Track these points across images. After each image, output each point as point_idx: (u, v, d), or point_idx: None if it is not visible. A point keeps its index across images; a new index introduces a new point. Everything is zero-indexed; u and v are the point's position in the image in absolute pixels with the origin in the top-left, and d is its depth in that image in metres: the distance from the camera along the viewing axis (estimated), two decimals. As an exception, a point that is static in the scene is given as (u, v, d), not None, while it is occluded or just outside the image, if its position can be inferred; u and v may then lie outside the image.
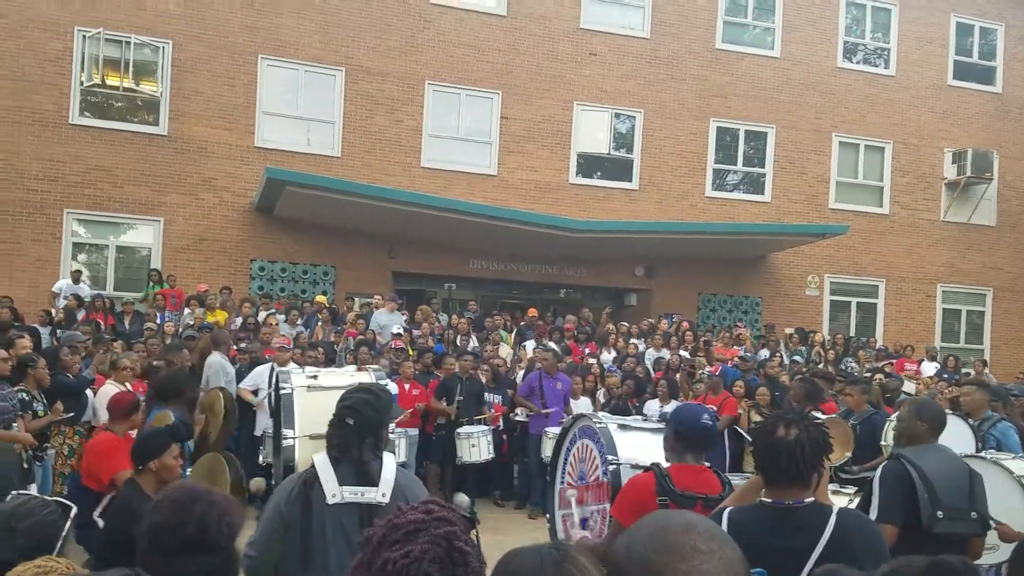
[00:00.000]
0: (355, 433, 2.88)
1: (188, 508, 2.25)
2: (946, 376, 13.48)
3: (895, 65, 18.90)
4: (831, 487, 5.27)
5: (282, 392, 4.01)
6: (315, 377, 4.15)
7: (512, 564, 1.48)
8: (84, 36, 14.19)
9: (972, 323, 19.33)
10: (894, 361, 14.46)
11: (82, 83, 14.24)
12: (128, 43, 14.27)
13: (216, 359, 9.19)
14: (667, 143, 17.35)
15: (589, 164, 17.19)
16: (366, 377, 4.14)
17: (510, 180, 16.40)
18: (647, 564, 1.37)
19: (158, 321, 11.81)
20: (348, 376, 4.02)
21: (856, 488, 4.84)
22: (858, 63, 18.86)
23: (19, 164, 13.93)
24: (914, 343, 16.56)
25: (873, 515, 3.99)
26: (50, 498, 2.69)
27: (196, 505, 2.26)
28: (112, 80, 14.33)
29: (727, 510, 2.71)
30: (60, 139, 14.14)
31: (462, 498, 3.97)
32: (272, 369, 8.91)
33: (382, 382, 3.93)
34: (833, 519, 2.62)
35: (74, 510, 2.51)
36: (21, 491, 2.59)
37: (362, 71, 15.69)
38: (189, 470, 4.64)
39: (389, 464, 2.91)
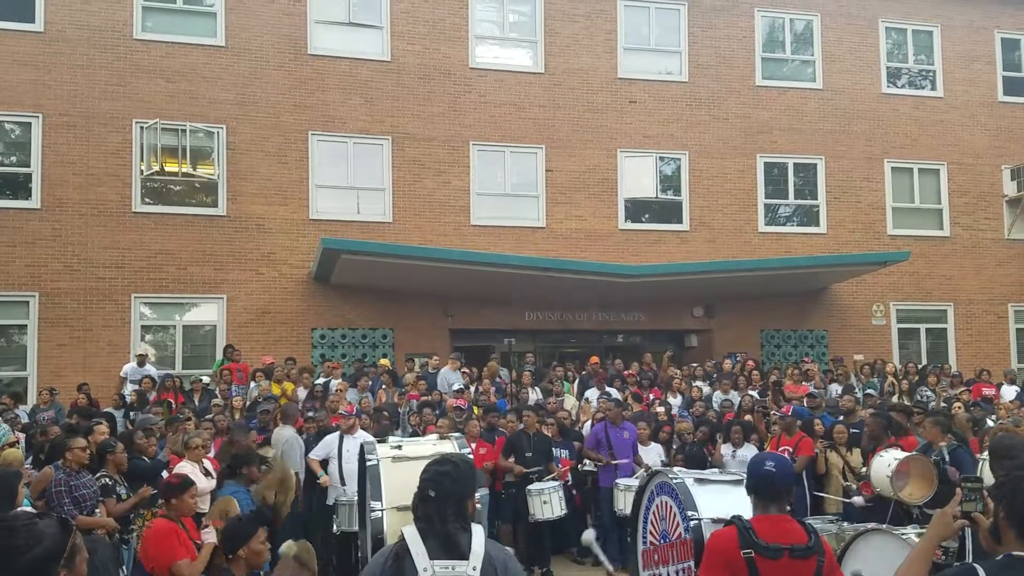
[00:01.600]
0: (437, 505, 2.89)
1: None
2: (1029, 399, 12.94)
3: (942, 86, 18.64)
4: (913, 528, 5.07)
5: (368, 463, 4.02)
6: (399, 447, 4.15)
7: None
8: (142, 127, 14.84)
9: (1050, 341, 18.60)
10: (970, 388, 13.91)
11: (142, 172, 14.85)
12: (184, 131, 14.87)
13: (286, 432, 9.32)
14: (715, 182, 17.30)
15: (637, 209, 17.20)
16: (449, 446, 4.13)
17: (559, 231, 16.49)
18: None
19: (229, 395, 12.02)
20: (431, 445, 4.02)
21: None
22: (903, 87, 18.66)
23: (88, 255, 14.50)
24: (989, 366, 15.96)
25: (969, 557, 3.83)
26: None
27: None
28: (170, 167, 14.91)
29: (980, 567, 2.57)
30: (125, 227, 14.71)
31: (589, 534, 4.00)
32: (341, 437, 8.99)
33: (464, 451, 3.91)
34: None
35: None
36: None
37: (408, 138, 16.06)
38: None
39: (478, 535, 2.88)
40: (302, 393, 12.09)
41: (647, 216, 17.31)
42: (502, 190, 16.53)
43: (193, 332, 15.29)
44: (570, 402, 12.36)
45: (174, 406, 11.68)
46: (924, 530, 4.77)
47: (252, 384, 12.69)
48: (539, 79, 16.79)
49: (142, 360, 13.47)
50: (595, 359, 14.13)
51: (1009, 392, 14.08)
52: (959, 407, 10.79)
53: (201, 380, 12.99)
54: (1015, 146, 18.64)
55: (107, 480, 6.90)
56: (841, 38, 18.19)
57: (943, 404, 11.89)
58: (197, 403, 12.35)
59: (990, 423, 9.72)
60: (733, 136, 17.46)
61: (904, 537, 4.66)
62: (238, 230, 15.20)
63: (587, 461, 9.79)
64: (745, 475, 3.51)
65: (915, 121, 18.32)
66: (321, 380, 12.79)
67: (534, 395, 12.32)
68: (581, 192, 16.70)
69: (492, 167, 16.51)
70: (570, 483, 9.82)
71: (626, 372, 13.38)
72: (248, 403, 11.71)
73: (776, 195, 17.70)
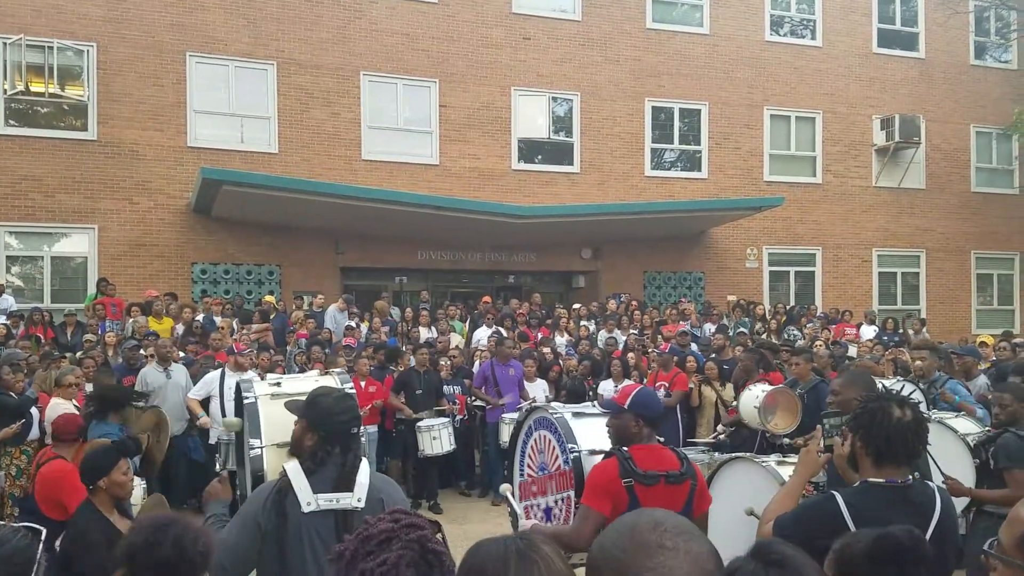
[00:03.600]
0: (322, 441, 2.89)
1: (164, 530, 2.30)
2: (885, 338, 13.93)
3: (821, 36, 19.31)
4: (775, 457, 5.46)
5: (246, 401, 3.96)
6: (278, 384, 4.10)
7: (478, 556, 1.52)
8: (4, 43, 13.69)
9: (908, 285, 19.98)
10: (833, 327, 14.86)
11: (6, 92, 13.77)
12: (51, 48, 13.82)
13: (145, 370, 9.07)
14: (605, 124, 17.50)
15: (530, 149, 17.24)
16: (331, 381, 4.11)
17: (453, 169, 16.37)
18: (618, 563, 1.42)
19: (99, 332, 11.51)
20: (312, 382, 3.97)
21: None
22: (785, 35, 19.23)
23: (-58, 178, 13.44)
24: (852, 308, 17.07)
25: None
26: (19, 524, 2.66)
27: (171, 527, 2.32)
28: (36, 87, 13.88)
29: (839, 494, 2.72)
30: (-15, 150, 13.68)
31: (506, 487, 4.18)
32: (223, 375, 8.81)
33: (346, 386, 3.91)
34: (938, 495, 2.72)
35: (44, 533, 2.50)
36: None
37: (295, 64, 15.46)
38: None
39: (363, 468, 2.91)
40: (181, 330, 11.71)
41: (540, 157, 17.39)
42: (394, 124, 16.20)
43: (63, 264, 14.48)
44: (458, 340, 12.49)
45: (43, 341, 11.14)
46: (785, 459, 5.16)
47: (129, 320, 12.18)
48: (433, 9, 16.40)
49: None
50: (487, 299, 14.29)
51: (868, 331, 15.13)
52: (820, 345, 11.53)
53: (75, 314, 12.39)
54: (886, 97, 19.62)
55: (-30, 418, 6.57)
56: (729, -17, 18.52)
57: (808, 343, 12.67)
58: (69, 338, 11.83)
59: (848, 359, 10.44)
60: (623, 79, 17.64)
61: (765, 465, 5.01)
62: (110, 156, 14.37)
63: (474, 398, 10.03)
64: (633, 409, 3.68)
65: (795, 70, 18.97)
66: (200, 317, 12.40)
67: (427, 333, 12.38)
68: (475, 130, 16.58)
69: (384, 100, 16.13)
70: (465, 418, 10.01)
71: (517, 313, 13.61)
72: (122, 339, 11.28)
73: (662, 140, 18.09)
